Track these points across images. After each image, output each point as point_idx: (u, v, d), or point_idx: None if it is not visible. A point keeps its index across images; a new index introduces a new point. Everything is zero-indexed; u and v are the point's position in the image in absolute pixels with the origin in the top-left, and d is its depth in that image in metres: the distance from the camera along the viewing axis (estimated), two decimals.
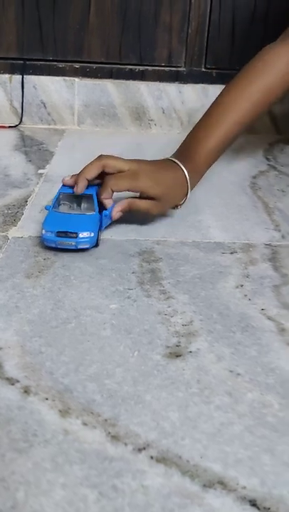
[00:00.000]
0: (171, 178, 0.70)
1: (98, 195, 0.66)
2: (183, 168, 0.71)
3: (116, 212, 0.68)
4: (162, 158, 0.74)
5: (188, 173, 0.71)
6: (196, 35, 1.12)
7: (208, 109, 0.79)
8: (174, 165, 0.72)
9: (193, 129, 0.78)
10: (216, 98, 0.80)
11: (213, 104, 0.79)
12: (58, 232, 0.62)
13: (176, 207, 0.74)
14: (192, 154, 0.74)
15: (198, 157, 0.74)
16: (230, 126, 0.76)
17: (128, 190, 0.67)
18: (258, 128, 1.19)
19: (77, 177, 0.66)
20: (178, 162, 0.71)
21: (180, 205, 0.74)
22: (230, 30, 1.12)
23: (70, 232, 0.62)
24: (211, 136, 0.75)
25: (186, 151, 0.75)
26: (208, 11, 1.11)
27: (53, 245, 0.63)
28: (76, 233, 0.62)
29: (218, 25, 1.12)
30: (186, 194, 0.72)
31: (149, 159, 0.71)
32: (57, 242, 0.62)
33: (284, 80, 0.79)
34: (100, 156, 0.67)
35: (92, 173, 0.66)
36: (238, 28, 1.12)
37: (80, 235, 0.62)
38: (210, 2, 1.10)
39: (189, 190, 0.72)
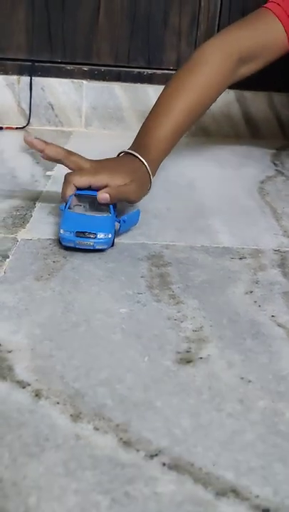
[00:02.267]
0: (131, 168, 0.71)
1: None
2: (140, 157, 0.73)
3: (101, 195, 0.66)
4: (121, 151, 0.76)
5: (146, 162, 0.73)
6: (204, 39, 1.12)
7: (157, 99, 0.83)
8: (132, 157, 0.74)
9: (146, 119, 0.81)
10: (164, 88, 0.84)
11: (161, 93, 0.83)
12: (77, 232, 0.62)
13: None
14: (146, 144, 0.77)
15: (152, 146, 0.76)
16: (178, 115, 0.80)
17: (90, 185, 0.67)
18: (265, 133, 1.19)
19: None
20: (134, 153, 0.73)
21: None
22: None
23: (89, 233, 0.62)
24: (160, 125, 0.79)
25: (140, 141, 0.78)
26: (218, 14, 1.11)
27: (72, 245, 0.63)
28: (95, 234, 0.62)
29: None
30: (150, 181, 0.74)
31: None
32: (76, 242, 0.63)
33: (221, 70, 0.85)
34: (68, 152, 0.70)
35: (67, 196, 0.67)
36: None
37: (99, 236, 0.63)
38: (219, 5, 1.10)
39: (151, 177, 0.74)
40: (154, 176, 0.75)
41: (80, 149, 0.93)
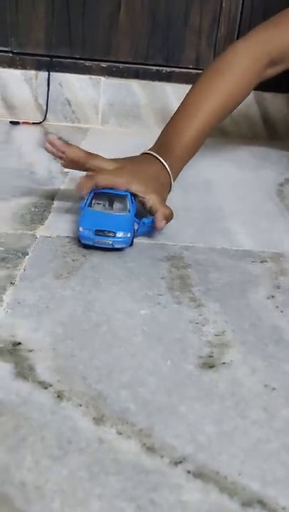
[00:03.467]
0: (152, 172, 0.71)
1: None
2: (163, 161, 0.72)
3: (161, 222, 0.66)
4: (141, 152, 0.75)
5: (168, 165, 0.72)
6: (225, 39, 1.11)
7: (183, 101, 0.81)
8: (154, 159, 0.73)
9: (169, 122, 0.80)
10: (191, 88, 0.83)
11: (188, 94, 0.82)
12: (96, 230, 0.62)
13: None
14: (170, 146, 0.76)
15: (176, 149, 0.75)
16: (204, 117, 0.79)
17: (112, 187, 0.66)
18: (283, 134, 1.18)
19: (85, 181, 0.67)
20: (157, 156, 0.72)
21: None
22: None
23: (109, 231, 0.62)
24: (186, 128, 0.78)
25: (163, 144, 0.77)
26: (239, 14, 1.10)
27: (91, 243, 0.63)
28: (114, 232, 0.62)
29: (248, 29, 1.10)
30: (170, 185, 0.73)
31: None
32: (95, 240, 0.62)
33: (249, 72, 0.84)
34: (89, 154, 0.68)
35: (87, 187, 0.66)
36: None
37: (118, 235, 0.62)
38: (241, 7, 1.09)
39: (172, 181, 0.73)
40: (175, 179, 0.74)
41: (96, 146, 0.92)
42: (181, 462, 0.37)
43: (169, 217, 0.67)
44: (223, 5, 1.08)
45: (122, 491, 0.35)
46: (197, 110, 0.79)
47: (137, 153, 0.75)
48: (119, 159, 0.71)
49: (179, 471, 0.37)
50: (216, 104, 0.80)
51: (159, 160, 0.72)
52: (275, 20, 0.87)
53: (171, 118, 0.80)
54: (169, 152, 0.74)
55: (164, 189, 0.72)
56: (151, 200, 0.67)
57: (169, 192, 0.74)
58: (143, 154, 0.75)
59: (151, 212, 0.67)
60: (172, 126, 0.79)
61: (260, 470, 0.37)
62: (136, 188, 0.67)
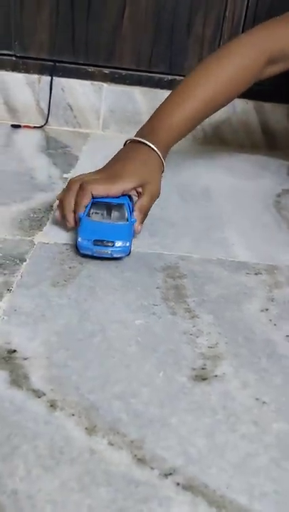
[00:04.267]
0: (143, 163, 0.71)
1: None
2: (149, 144, 0.72)
3: (138, 226, 0.68)
4: (126, 140, 0.75)
5: (155, 145, 0.72)
6: None
7: (179, 85, 0.81)
8: (139, 144, 0.73)
9: (160, 105, 0.79)
10: (187, 75, 0.82)
11: (184, 79, 0.81)
12: (95, 240, 0.62)
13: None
14: (158, 126, 0.76)
15: (163, 129, 0.75)
16: (197, 102, 0.78)
17: (108, 196, 0.67)
18: (282, 144, 1.19)
19: (67, 213, 0.67)
20: (142, 140, 0.72)
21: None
22: None
23: (107, 241, 0.62)
24: (177, 110, 0.77)
25: (151, 125, 0.77)
26: (242, 24, 1.11)
27: (89, 253, 0.63)
28: (113, 242, 0.62)
29: None
30: (162, 164, 0.73)
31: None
32: (94, 250, 0.63)
33: (249, 66, 0.83)
34: (81, 186, 0.67)
35: (85, 205, 0.66)
36: None
37: (117, 244, 0.62)
38: (244, 15, 1.10)
39: (163, 160, 0.73)
40: (165, 158, 0.74)
41: (97, 151, 0.92)
42: (171, 474, 0.38)
43: (143, 220, 0.69)
44: (227, 14, 1.09)
45: (112, 502, 0.35)
46: (190, 96, 0.79)
47: None
48: (105, 165, 0.72)
49: (169, 483, 0.37)
50: (211, 91, 0.80)
51: (146, 144, 0.72)
52: (280, 19, 0.86)
53: (163, 102, 0.80)
54: (155, 134, 0.74)
55: (156, 172, 0.72)
56: (137, 205, 0.68)
57: (162, 172, 0.74)
58: (128, 143, 0.75)
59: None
60: (162, 108, 0.78)
61: (249, 484, 0.38)
62: (129, 187, 0.67)
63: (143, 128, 0.78)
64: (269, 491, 0.38)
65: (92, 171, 0.72)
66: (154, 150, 0.72)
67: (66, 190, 0.69)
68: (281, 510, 0.36)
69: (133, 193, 0.69)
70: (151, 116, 0.79)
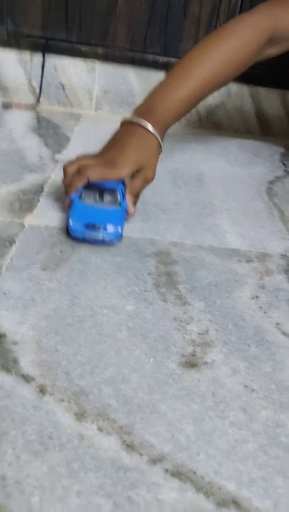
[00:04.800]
0: (139, 146, 0.70)
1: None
2: (146, 125, 0.71)
3: (131, 209, 0.67)
4: (123, 119, 0.74)
5: (152, 126, 0.71)
6: None
7: (178, 63, 0.79)
8: (137, 127, 0.71)
9: (158, 84, 0.78)
10: (187, 53, 0.80)
11: (183, 58, 0.80)
12: (86, 224, 0.61)
13: None
14: (156, 105, 0.74)
15: (162, 108, 0.74)
16: (197, 82, 0.77)
17: (104, 180, 0.66)
18: (276, 131, 1.19)
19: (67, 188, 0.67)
20: (141, 123, 0.71)
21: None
22: None
23: (99, 225, 0.62)
24: (176, 89, 0.76)
25: (149, 104, 0.75)
26: (239, 6, 1.09)
27: (80, 237, 0.62)
28: (105, 226, 0.62)
29: None
30: (159, 146, 0.72)
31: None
32: (85, 234, 0.62)
33: (249, 45, 0.81)
34: (78, 169, 0.67)
35: (78, 188, 0.66)
36: None
37: (108, 229, 0.62)
38: None
39: (160, 141, 0.72)
40: (163, 139, 0.73)
41: (89, 133, 0.91)
42: (159, 460, 0.38)
43: (135, 202, 0.69)
44: None
45: (100, 487, 0.35)
46: (189, 74, 0.77)
47: None
48: (101, 148, 0.71)
49: (157, 469, 0.37)
50: (210, 70, 0.78)
51: (144, 127, 0.71)
52: (280, 0, 0.84)
53: (161, 80, 0.78)
54: (153, 113, 0.73)
55: (153, 156, 0.71)
56: (128, 188, 0.67)
57: (159, 153, 0.73)
58: (124, 124, 0.73)
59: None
60: (161, 87, 0.77)
61: (237, 471, 0.38)
62: (125, 174, 0.67)
63: (139, 107, 0.76)
64: (257, 477, 0.38)
65: (85, 152, 0.71)
66: (151, 132, 0.71)
67: (63, 174, 0.68)
68: (269, 496, 0.37)
69: (127, 178, 0.68)
70: (148, 95, 0.77)
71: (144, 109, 0.74)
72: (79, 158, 0.69)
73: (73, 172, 0.66)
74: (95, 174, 0.65)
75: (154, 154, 0.71)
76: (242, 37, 0.81)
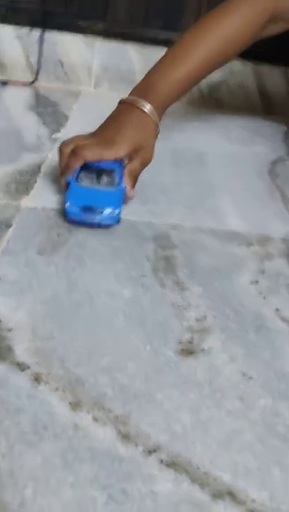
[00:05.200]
0: (136, 126, 0.68)
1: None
2: (143, 105, 0.69)
3: (130, 192, 0.66)
4: (121, 99, 0.72)
5: (150, 107, 0.69)
6: None
7: (175, 44, 0.77)
8: (134, 107, 0.70)
9: (157, 63, 0.76)
10: (186, 31, 0.78)
11: (182, 36, 0.77)
12: (83, 206, 0.60)
13: None
14: (154, 86, 0.72)
15: (160, 88, 0.72)
16: (196, 61, 0.75)
17: (101, 160, 0.65)
18: (279, 108, 1.16)
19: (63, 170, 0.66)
20: (137, 101, 0.70)
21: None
22: None
23: (97, 208, 0.60)
24: (174, 68, 0.74)
25: (147, 84, 0.73)
26: None
27: (77, 219, 0.61)
28: (102, 209, 0.61)
29: None
30: (157, 126, 0.71)
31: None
32: (82, 217, 0.61)
33: (250, 24, 0.79)
34: (73, 149, 0.65)
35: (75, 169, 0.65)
36: None
37: (106, 212, 0.61)
38: None
39: (158, 121, 0.71)
40: (160, 119, 0.71)
41: (88, 111, 0.89)
42: (155, 451, 0.38)
43: (133, 184, 0.67)
44: None
45: (94, 479, 0.35)
46: (188, 54, 0.75)
47: None
48: (98, 128, 0.69)
49: (152, 460, 0.37)
50: (210, 49, 0.76)
51: (139, 105, 0.69)
52: None
53: (160, 59, 0.76)
54: (152, 92, 0.71)
55: (150, 136, 0.70)
56: (127, 169, 0.66)
57: (157, 133, 0.71)
58: (121, 104, 0.72)
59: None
60: (159, 66, 0.75)
61: (232, 461, 0.38)
62: (122, 153, 0.66)
63: (138, 86, 0.74)
64: (253, 468, 0.38)
65: (83, 132, 0.70)
66: (148, 112, 0.69)
67: (58, 155, 0.66)
68: (265, 488, 0.36)
69: (125, 159, 0.67)
70: (147, 74, 0.76)
71: (142, 89, 0.72)
72: (75, 139, 0.67)
73: (69, 153, 0.65)
74: (92, 154, 0.64)
75: (151, 135, 0.69)
76: (243, 15, 0.79)
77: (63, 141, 0.67)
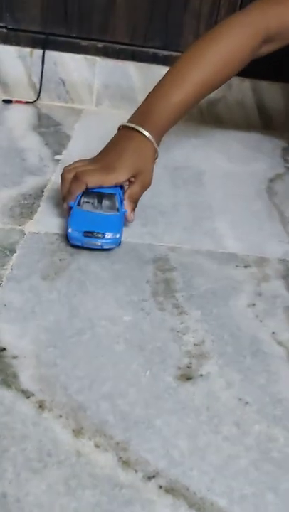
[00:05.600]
0: (136, 151, 0.70)
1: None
2: (143, 132, 0.71)
3: (130, 215, 0.68)
4: (120, 125, 0.74)
5: (146, 130, 0.71)
6: None
7: (172, 67, 0.79)
8: (132, 132, 0.72)
9: (153, 88, 0.78)
10: (181, 55, 0.80)
11: (177, 61, 0.79)
12: (85, 231, 0.62)
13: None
14: (151, 111, 0.74)
15: (158, 114, 0.74)
16: (191, 85, 0.77)
17: (102, 186, 0.67)
18: (278, 124, 1.18)
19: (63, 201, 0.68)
20: (137, 127, 0.71)
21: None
22: None
23: (98, 233, 0.62)
24: (170, 93, 0.76)
25: (145, 110, 0.75)
26: (239, 0, 1.07)
27: (79, 244, 0.64)
28: (103, 234, 0.63)
29: None
30: (155, 151, 0.73)
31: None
32: (84, 242, 0.63)
33: (245, 46, 0.81)
34: (75, 175, 0.67)
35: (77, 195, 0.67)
36: None
37: (107, 236, 0.63)
38: None
39: (157, 147, 0.72)
40: (159, 144, 0.73)
41: (89, 130, 0.91)
42: (154, 477, 0.40)
43: (133, 208, 0.69)
44: None
45: (96, 505, 0.37)
46: (184, 78, 0.77)
47: None
48: (99, 153, 0.71)
49: (152, 485, 0.39)
50: (205, 73, 0.78)
51: (140, 132, 0.71)
52: None
53: (156, 85, 0.78)
54: (150, 118, 0.73)
55: (149, 161, 0.72)
56: (127, 194, 0.68)
57: (155, 158, 0.74)
58: (121, 129, 0.74)
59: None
60: (156, 91, 0.77)
61: (228, 487, 0.40)
62: (123, 179, 0.68)
63: (138, 112, 0.76)
64: (248, 493, 0.39)
65: (84, 153, 0.72)
66: (147, 137, 0.71)
67: (61, 180, 0.69)
68: None
69: (125, 183, 0.69)
70: (146, 98, 0.78)
71: (141, 114, 0.74)
72: (76, 164, 0.69)
73: (71, 178, 0.67)
74: (93, 181, 0.66)
75: (150, 159, 0.72)
76: (237, 37, 0.80)
77: (65, 167, 0.69)
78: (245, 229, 0.76)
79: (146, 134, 0.71)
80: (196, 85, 0.78)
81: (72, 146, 0.94)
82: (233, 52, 0.81)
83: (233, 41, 0.81)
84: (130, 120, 0.74)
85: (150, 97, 0.77)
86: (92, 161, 0.70)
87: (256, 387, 0.49)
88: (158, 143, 0.74)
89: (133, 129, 0.72)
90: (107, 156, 0.70)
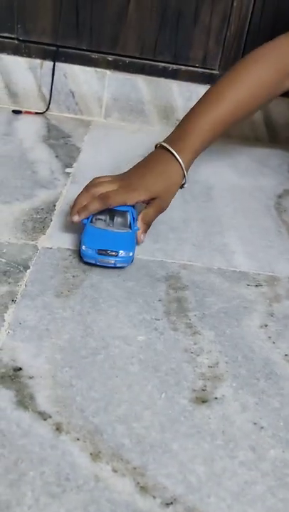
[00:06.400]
0: (163, 173, 0.71)
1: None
2: (173, 151, 0.71)
3: (140, 236, 0.68)
4: (158, 143, 0.74)
5: (179, 153, 0.71)
6: (234, 39, 1.10)
7: (206, 92, 0.80)
8: (164, 153, 0.72)
9: (192, 108, 0.78)
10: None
11: (211, 88, 0.80)
12: (99, 249, 0.63)
13: (181, 187, 0.75)
14: (186, 131, 0.74)
15: (192, 135, 0.74)
16: (229, 105, 0.77)
17: (124, 205, 0.67)
18: (285, 138, 1.19)
19: (81, 209, 0.67)
20: (168, 146, 0.72)
21: (183, 186, 0.74)
22: (270, 37, 1.10)
23: (112, 251, 0.63)
24: (208, 112, 0.76)
25: (181, 129, 0.75)
26: (250, 15, 1.08)
27: (93, 262, 0.64)
28: (117, 252, 0.63)
29: (257, 30, 1.09)
30: (183, 176, 0.73)
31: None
32: (97, 259, 0.63)
33: (263, 85, 0.81)
34: (100, 196, 0.66)
35: (97, 209, 0.67)
36: (278, 35, 1.10)
37: (120, 254, 0.63)
38: (252, 7, 1.07)
39: (185, 172, 0.73)
40: (188, 168, 0.73)
41: (99, 142, 0.91)
42: (172, 503, 0.40)
43: (145, 230, 0.70)
44: (234, 4, 1.07)
45: None
46: (220, 98, 0.77)
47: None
48: (126, 172, 0.71)
49: None
50: (242, 94, 0.79)
51: (170, 151, 0.71)
52: None
53: (195, 104, 0.78)
54: (183, 139, 0.73)
55: (172, 186, 0.71)
56: (141, 215, 0.69)
57: (182, 184, 0.74)
58: (158, 148, 0.74)
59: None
60: (194, 110, 0.77)
61: None
62: (142, 199, 0.68)
63: (173, 133, 0.76)
64: None
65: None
66: (178, 160, 0.71)
67: (83, 191, 0.68)
68: None
69: (142, 203, 0.69)
70: (182, 119, 0.78)
71: (176, 135, 0.74)
72: (102, 180, 0.69)
73: (93, 195, 0.67)
74: (117, 201, 0.66)
75: (174, 185, 0.72)
76: (259, 74, 0.81)
77: (91, 183, 0.69)
78: (255, 246, 0.76)
79: (180, 160, 0.71)
80: (231, 105, 0.78)
81: (82, 159, 0.95)
82: (254, 89, 0.81)
83: (255, 78, 0.81)
84: (168, 140, 0.74)
85: (187, 115, 0.77)
86: (118, 178, 0.70)
87: (270, 410, 0.49)
88: (188, 166, 0.73)
89: (166, 149, 0.72)
90: (134, 175, 0.70)
